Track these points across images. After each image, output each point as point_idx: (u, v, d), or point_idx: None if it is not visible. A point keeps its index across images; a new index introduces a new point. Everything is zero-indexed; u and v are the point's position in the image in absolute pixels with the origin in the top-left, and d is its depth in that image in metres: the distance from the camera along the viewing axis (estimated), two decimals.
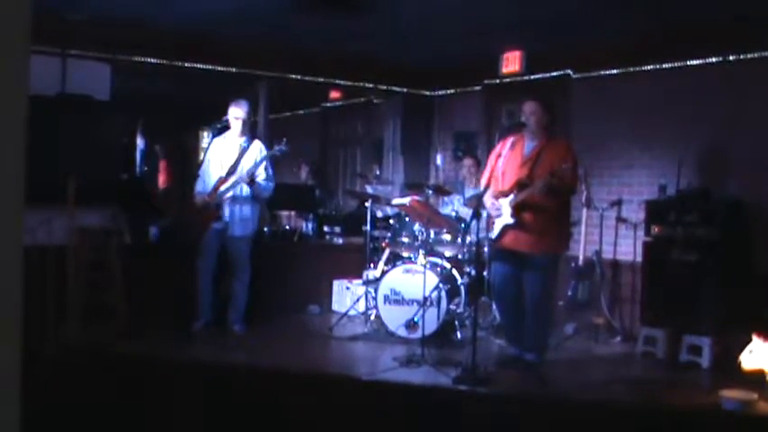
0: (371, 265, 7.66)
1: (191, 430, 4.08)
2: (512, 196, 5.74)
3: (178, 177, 8.94)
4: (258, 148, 6.73)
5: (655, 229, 6.66)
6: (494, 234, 5.90)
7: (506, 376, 5.66)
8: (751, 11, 5.97)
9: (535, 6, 6.33)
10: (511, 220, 5.73)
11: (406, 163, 9.95)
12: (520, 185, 5.70)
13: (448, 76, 9.41)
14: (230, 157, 6.65)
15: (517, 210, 5.70)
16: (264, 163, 6.66)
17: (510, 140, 5.90)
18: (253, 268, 6.85)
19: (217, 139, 6.78)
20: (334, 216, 9.31)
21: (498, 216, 5.81)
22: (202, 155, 6.73)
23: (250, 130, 6.90)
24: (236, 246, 6.69)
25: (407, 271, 6.80)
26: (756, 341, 5.72)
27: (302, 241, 8.52)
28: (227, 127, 6.78)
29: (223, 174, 6.59)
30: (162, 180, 10.36)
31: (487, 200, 5.84)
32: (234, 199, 6.58)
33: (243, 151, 6.64)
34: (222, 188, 6.59)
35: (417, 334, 6.44)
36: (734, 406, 4.92)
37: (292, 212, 9.31)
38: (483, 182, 6.03)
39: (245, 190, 6.63)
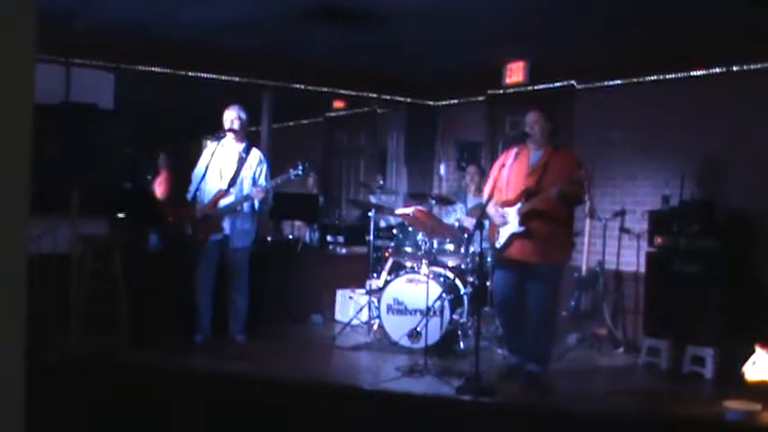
0: (374, 275, 7.66)
1: None
2: (519, 205, 5.71)
3: (180, 187, 8.90)
4: (257, 158, 6.71)
5: (658, 240, 6.66)
6: (499, 243, 5.86)
7: (509, 386, 5.64)
8: (754, 21, 5.98)
9: (539, 17, 6.34)
10: (519, 229, 5.68)
11: (409, 173, 9.97)
12: (528, 194, 5.68)
13: (452, 86, 9.43)
14: (229, 166, 6.62)
15: (525, 218, 5.68)
16: (265, 172, 6.66)
17: (514, 151, 5.89)
18: (251, 278, 6.84)
19: (215, 147, 6.66)
20: (337, 225, 9.31)
21: (504, 225, 5.79)
22: (200, 160, 6.68)
23: (249, 138, 6.87)
24: (237, 257, 6.67)
25: (410, 281, 6.79)
26: (760, 352, 5.71)
27: (305, 251, 8.52)
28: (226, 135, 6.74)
29: (223, 186, 6.57)
30: (161, 190, 10.32)
31: (491, 208, 5.80)
32: (235, 211, 6.57)
33: (242, 162, 6.62)
34: (223, 202, 6.56)
35: (420, 344, 6.43)
36: (737, 417, 4.91)
37: (296, 222, 9.31)
38: (486, 192, 6.01)
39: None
